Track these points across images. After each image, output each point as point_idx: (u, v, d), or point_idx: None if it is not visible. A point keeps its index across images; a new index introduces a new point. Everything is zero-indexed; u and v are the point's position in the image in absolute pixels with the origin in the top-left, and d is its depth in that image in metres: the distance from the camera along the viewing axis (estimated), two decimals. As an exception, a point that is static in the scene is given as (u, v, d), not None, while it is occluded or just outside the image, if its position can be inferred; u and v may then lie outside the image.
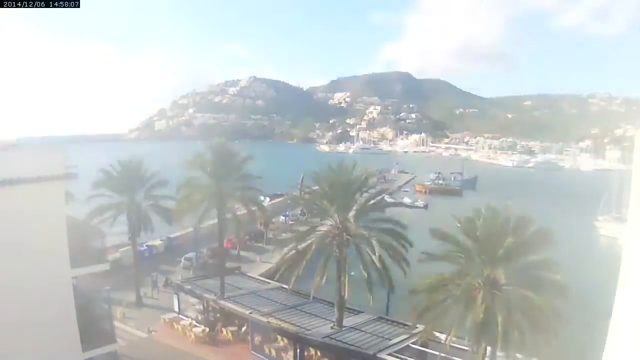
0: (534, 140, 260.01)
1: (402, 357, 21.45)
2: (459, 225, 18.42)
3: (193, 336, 28.05)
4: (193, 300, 31.37)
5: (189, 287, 31.41)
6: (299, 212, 54.29)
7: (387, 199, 34.70)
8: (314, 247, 24.19)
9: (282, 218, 57.09)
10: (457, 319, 16.97)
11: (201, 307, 30.75)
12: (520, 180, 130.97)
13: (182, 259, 41.64)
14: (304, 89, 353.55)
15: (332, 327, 25.15)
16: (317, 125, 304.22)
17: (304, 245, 24.61)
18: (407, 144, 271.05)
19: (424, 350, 22.38)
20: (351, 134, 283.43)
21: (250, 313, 27.25)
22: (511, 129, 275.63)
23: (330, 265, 24.01)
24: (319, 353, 24.30)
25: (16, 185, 12.62)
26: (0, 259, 12.51)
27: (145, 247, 43.65)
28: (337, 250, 24.13)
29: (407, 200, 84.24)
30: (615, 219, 64.27)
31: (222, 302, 29.19)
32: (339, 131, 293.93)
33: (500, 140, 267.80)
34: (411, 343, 22.67)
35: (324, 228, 25.24)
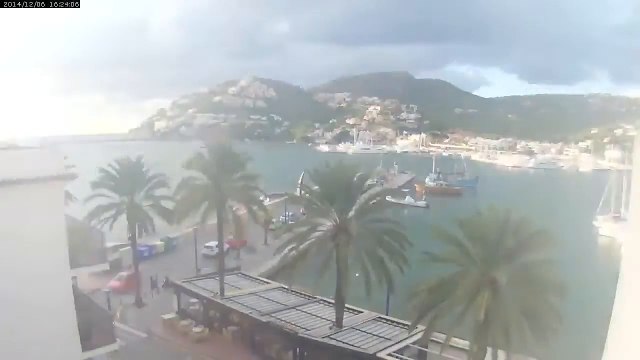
0: (533, 140, 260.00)
1: (402, 357, 21.46)
2: (459, 225, 18.42)
3: (193, 336, 28.05)
4: (193, 300, 31.39)
5: (188, 287, 31.41)
6: (300, 211, 54.23)
7: (388, 199, 34.68)
8: (314, 247, 24.20)
9: (281, 218, 57.05)
10: (458, 319, 16.98)
11: (201, 307, 30.76)
12: (520, 180, 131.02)
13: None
14: (304, 89, 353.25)
15: (331, 328, 25.17)
16: (317, 125, 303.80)
17: (304, 245, 24.62)
18: (407, 144, 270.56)
19: (424, 350, 22.39)
20: (351, 134, 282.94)
21: (250, 313, 27.26)
22: (511, 129, 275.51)
23: (330, 265, 24.02)
24: (318, 353, 24.30)
25: (16, 185, 12.62)
26: (0, 259, 12.51)
27: (145, 247, 43.66)
28: (337, 250, 24.13)
29: (409, 200, 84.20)
30: (615, 218, 64.31)
31: (222, 302, 29.20)
32: (339, 131, 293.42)
33: (500, 140, 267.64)
34: (411, 343, 22.68)
35: (324, 228, 25.25)
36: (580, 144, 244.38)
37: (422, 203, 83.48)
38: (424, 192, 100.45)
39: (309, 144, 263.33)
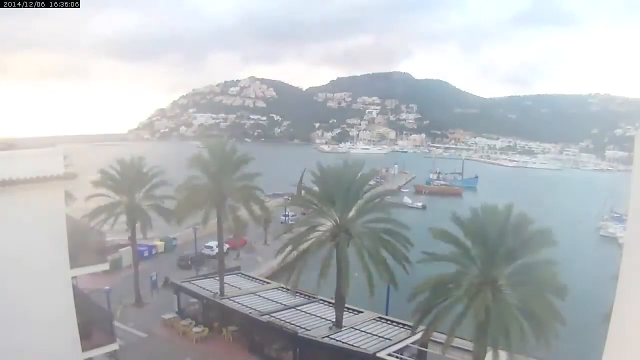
0: (534, 141, 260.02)
1: (402, 357, 21.46)
2: (459, 225, 18.42)
3: (193, 336, 28.05)
4: (193, 300, 31.39)
5: (188, 287, 31.41)
6: (301, 212, 54.19)
7: (388, 199, 34.79)
8: (314, 247, 24.20)
9: (282, 218, 57.05)
10: (458, 319, 16.98)
11: (201, 307, 30.76)
12: (520, 180, 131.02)
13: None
14: (304, 89, 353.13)
15: (330, 328, 25.17)
16: (317, 125, 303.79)
17: (304, 245, 24.63)
18: (406, 144, 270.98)
19: (423, 350, 22.40)
20: (351, 134, 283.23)
21: (250, 313, 27.26)
22: (511, 129, 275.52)
23: (330, 265, 24.00)
24: (318, 353, 24.31)
25: (16, 185, 12.61)
26: (0, 259, 12.51)
27: (145, 247, 43.66)
28: (337, 250, 24.12)
29: (407, 200, 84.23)
30: (615, 218, 64.41)
31: (222, 302, 29.19)
32: (339, 131, 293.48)
33: (500, 140, 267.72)
34: (411, 343, 22.68)
35: (324, 228, 25.25)
36: (580, 144, 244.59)
37: (418, 204, 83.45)
38: (423, 192, 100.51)
39: (309, 144, 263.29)
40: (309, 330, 24.95)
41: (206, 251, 43.75)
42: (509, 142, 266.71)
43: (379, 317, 26.71)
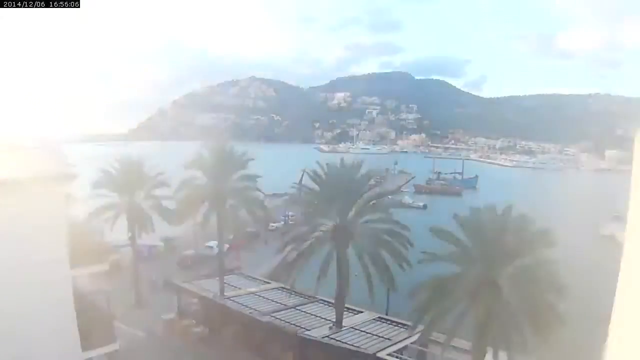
0: (533, 141, 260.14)
1: (402, 357, 21.46)
2: (458, 225, 18.41)
3: (193, 336, 28.04)
4: (193, 300, 31.38)
5: (189, 287, 31.41)
6: (300, 212, 54.17)
7: (388, 198, 34.97)
8: (314, 247, 24.22)
9: (282, 218, 57.06)
10: (458, 319, 16.97)
11: (201, 307, 30.76)
12: (520, 180, 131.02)
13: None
14: (304, 89, 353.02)
15: (330, 328, 25.17)
16: (317, 125, 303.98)
17: (304, 245, 24.64)
18: (406, 144, 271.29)
19: (423, 350, 22.40)
20: (351, 134, 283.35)
21: (250, 313, 27.26)
22: (511, 129, 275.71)
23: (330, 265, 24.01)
24: (318, 353, 24.31)
25: (16, 185, 12.61)
26: (0, 259, 12.50)
27: (146, 247, 43.65)
28: (337, 250, 24.13)
29: (407, 200, 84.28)
30: (615, 218, 64.37)
31: (222, 302, 29.19)
32: (339, 131, 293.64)
33: (500, 140, 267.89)
34: (411, 343, 22.68)
35: (324, 228, 25.26)
36: (580, 144, 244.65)
37: (419, 204, 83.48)
38: (423, 191, 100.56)
39: (309, 144, 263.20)
40: (309, 330, 24.95)
41: (206, 251, 43.74)
42: (509, 142, 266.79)
43: (379, 317, 26.71)
